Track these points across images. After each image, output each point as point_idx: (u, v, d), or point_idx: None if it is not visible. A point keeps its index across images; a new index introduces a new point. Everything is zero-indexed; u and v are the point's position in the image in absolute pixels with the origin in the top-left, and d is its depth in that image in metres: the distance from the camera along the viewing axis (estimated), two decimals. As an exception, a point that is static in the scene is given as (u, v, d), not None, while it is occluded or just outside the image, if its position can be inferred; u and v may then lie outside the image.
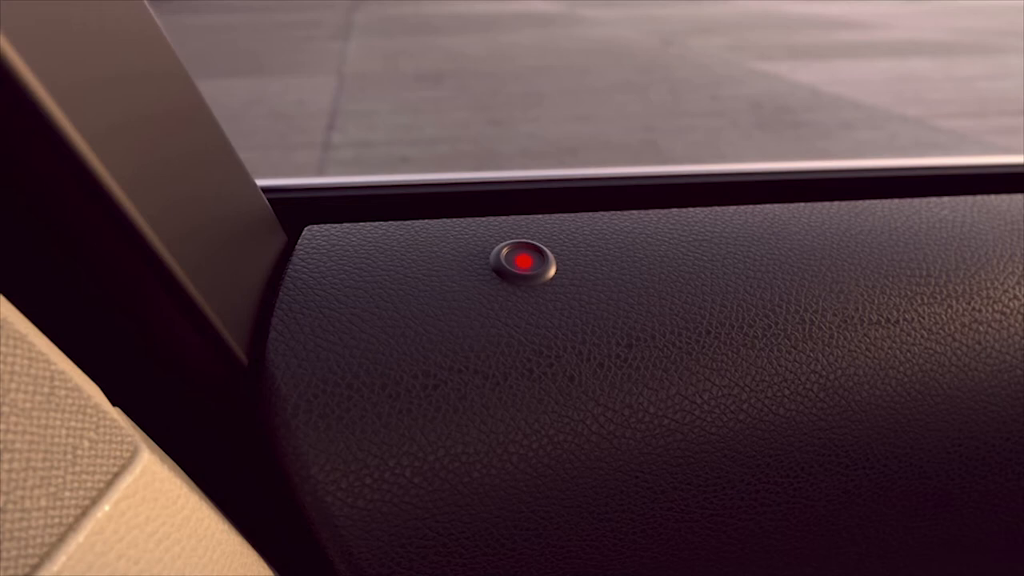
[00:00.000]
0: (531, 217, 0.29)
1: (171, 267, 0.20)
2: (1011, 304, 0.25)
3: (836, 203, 0.32)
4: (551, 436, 0.23)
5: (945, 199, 0.30)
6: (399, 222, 0.29)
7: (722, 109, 5.12)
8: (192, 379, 0.22)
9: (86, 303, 0.19)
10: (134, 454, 0.18)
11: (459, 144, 4.32)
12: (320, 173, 3.82)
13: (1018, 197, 0.31)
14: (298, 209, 0.31)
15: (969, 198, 0.30)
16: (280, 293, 0.25)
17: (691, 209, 0.30)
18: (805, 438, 0.24)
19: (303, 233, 0.28)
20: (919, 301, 0.26)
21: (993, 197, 0.32)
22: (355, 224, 0.29)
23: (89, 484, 0.16)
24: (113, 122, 0.18)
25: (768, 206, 0.31)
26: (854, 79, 6.03)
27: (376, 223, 0.29)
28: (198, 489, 0.20)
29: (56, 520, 0.15)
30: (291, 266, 0.26)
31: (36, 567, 0.15)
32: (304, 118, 4.86)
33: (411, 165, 3.93)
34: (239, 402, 0.23)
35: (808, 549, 0.24)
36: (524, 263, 0.26)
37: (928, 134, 4.50)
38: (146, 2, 0.22)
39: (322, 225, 0.29)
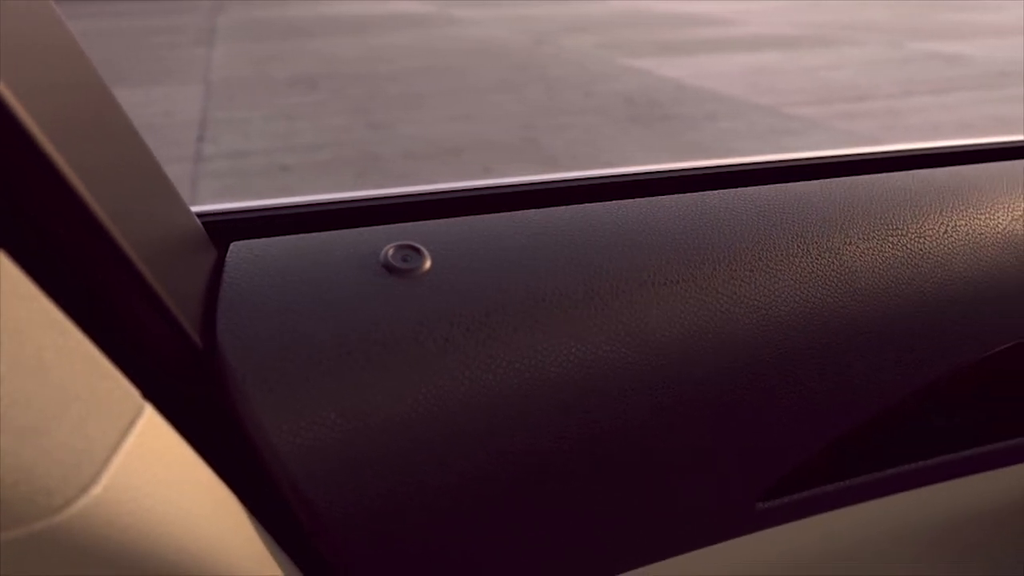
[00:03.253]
0: (414, 224, 0.34)
1: (136, 264, 0.24)
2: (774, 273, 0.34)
3: (687, 195, 0.37)
4: (442, 395, 0.31)
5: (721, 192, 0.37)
6: (310, 234, 0.36)
7: (597, 105, 5.31)
8: (156, 359, 0.27)
9: (55, 290, 0.21)
10: (142, 407, 0.22)
11: (340, 149, 4.24)
12: (193, 187, 3.63)
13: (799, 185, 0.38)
14: (221, 228, 0.37)
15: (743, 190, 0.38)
16: (220, 292, 0.32)
17: (549, 209, 0.34)
18: (628, 384, 0.32)
19: (230, 247, 0.35)
20: (697, 266, 0.35)
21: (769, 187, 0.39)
22: (274, 238, 0.35)
23: (109, 432, 0.20)
24: (68, 126, 0.22)
25: (639, 200, 0.36)
26: (715, 73, 6.42)
27: (291, 236, 0.36)
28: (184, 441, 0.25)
29: (87, 463, 0.18)
30: (226, 271, 0.33)
31: (72, 501, 0.18)
32: (172, 129, 4.61)
33: (292, 174, 3.82)
34: (198, 377, 0.30)
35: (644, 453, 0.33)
36: (405, 260, 0.30)
37: (782, 121, 4.87)
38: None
39: (246, 240, 0.35)
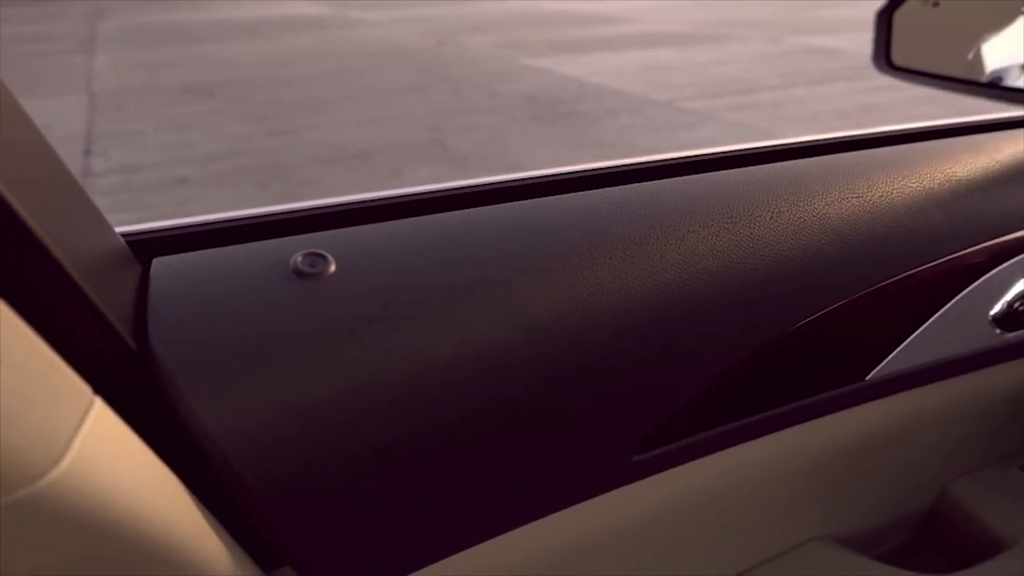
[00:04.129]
0: (320, 233, 0.38)
1: (75, 279, 0.28)
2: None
3: (585, 193, 0.44)
4: (350, 378, 0.36)
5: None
6: (226, 247, 0.40)
7: (501, 105, 5.39)
8: (98, 362, 0.30)
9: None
10: (92, 400, 0.25)
11: (241, 158, 4.13)
12: (83, 203, 3.45)
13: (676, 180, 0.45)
14: (143, 246, 0.40)
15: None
16: (148, 302, 0.35)
17: (439, 215, 0.40)
18: (510, 360, 0.39)
19: (153, 263, 0.38)
20: (566, 258, 0.41)
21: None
22: (193, 252, 0.39)
23: (69, 418, 0.23)
24: None
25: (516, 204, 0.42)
26: (612, 70, 6.63)
27: (209, 250, 0.39)
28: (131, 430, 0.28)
29: (55, 442, 0.21)
30: (151, 284, 0.36)
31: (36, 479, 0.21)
32: (54, 144, 4.34)
33: (190, 186, 3.69)
34: (136, 376, 0.33)
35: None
36: (312, 265, 0.35)
37: (677, 115, 5.10)
38: None
39: (167, 256, 0.38)
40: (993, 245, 0.49)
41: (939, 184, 0.49)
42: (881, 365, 0.48)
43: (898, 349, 0.48)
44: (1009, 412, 0.64)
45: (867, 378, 0.48)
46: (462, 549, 0.37)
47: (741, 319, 0.41)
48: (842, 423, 0.50)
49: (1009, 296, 0.52)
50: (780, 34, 8.38)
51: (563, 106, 5.36)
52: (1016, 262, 0.51)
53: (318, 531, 0.35)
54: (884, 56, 0.91)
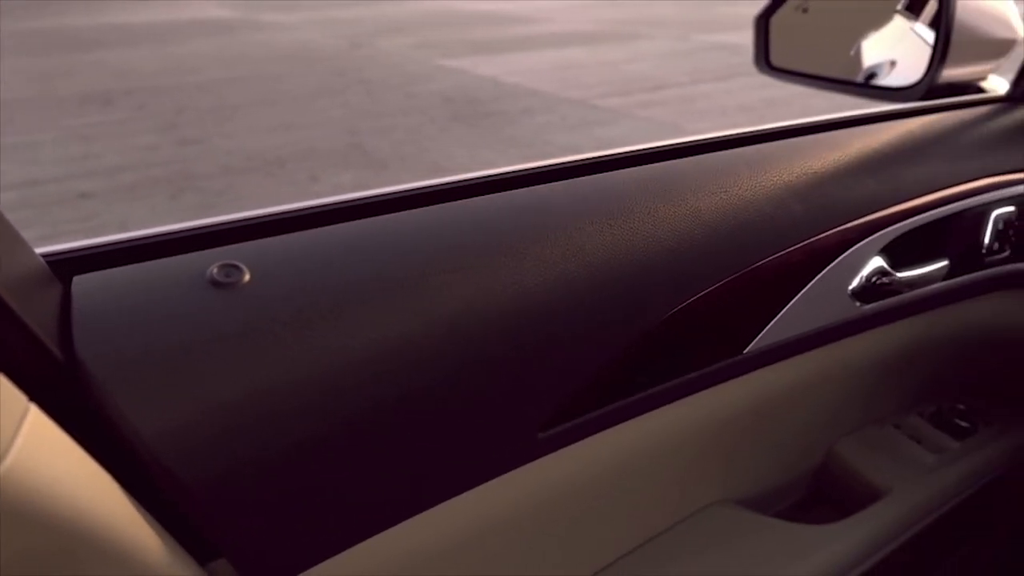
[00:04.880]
0: (235, 245, 0.41)
1: (3, 297, 0.29)
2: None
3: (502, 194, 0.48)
4: (271, 377, 0.39)
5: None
6: (145, 262, 0.42)
7: (418, 106, 5.38)
8: (29, 374, 0.31)
9: None
10: (28, 407, 0.27)
11: (149, 170, 3.97)
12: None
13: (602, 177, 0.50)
14: (62, 265, 0.41)
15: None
16: (72, 318, 0.37)
17: (347, 224, 0.43)
18: (418, 353, 0.42)
19: (73, 281, 0.40)
20: (464, 258, 0.45)
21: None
22: (112, 269, 0.41)
23: (7, 424, 0.25)
24: None
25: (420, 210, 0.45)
26: (527, 69, 6.72)
27: (128, 266, 0.41)
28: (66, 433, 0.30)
29: None
30: (73, 301, 0.38)
31: None
32: (-62, 160, 4.06)
33: (94, 200, 3.52)
34: (65, 386, 0.35)
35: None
36: (228, 275, 0.37)
37: (592, 113, 5.23)
38: None
39: (87, 274, 0.40)
40: (846, 229, 0.56)
41: (797, 177, 0.56)
42: (757, 339, 0.54)
43: (770, 324, 0.55)
44: (878, 375, 0.72)
45: (745, 351, 0.54)
46: (383, 530, 0.41)
47: (627, 305, 0.46)
48: (729, 393, 0.56)
49: (864, 272, 0.59)
50: (687, 32, 8.68)
51: (480, 106, 5.40)
52: (868, 242, 0.58)
53: (249, 522, 0.37)
54: (764, 58, 0.99)
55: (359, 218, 0.45)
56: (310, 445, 0.38)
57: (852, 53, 0.98)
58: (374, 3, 11.87)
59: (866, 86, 0.89)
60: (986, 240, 0.67)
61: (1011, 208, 0.68)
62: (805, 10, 0.94)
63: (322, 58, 7.31)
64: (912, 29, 0.91)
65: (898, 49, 0.95)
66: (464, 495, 0.44)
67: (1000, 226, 0.67)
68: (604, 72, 6.57)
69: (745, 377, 0.56)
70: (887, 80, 0.94)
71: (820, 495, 0.76)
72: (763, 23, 0.97)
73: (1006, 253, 0.69)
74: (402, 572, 0.43)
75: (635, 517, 0.59)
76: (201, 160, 4.15)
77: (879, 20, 0.97)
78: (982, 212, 0.66)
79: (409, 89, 5.92)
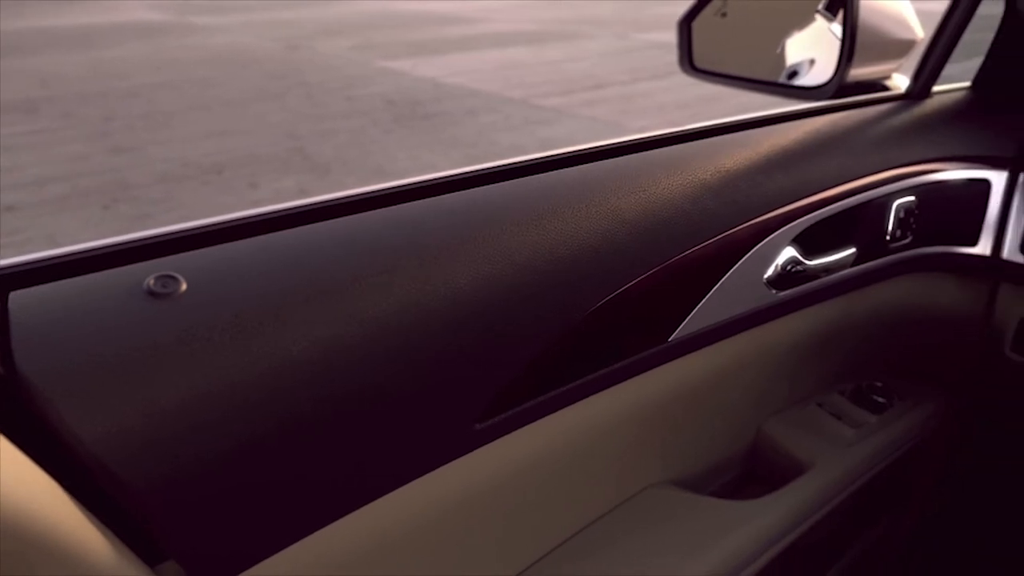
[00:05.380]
0: (170, 257, 0.42)
1: None
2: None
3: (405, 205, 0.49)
4: (210, 380, 0.40)
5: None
6: (82, 276, 0.43)
7: (360, 109, 5.34)
8: None
9: None
10: None
11: (79, 180, 3.83)
12: None
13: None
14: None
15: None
16: (10, 333, 0.38)
17: (279, 233, 0.45)
18: (353, 355, 0.44)
19: (9, 297, 0.40)
20: (399, 260, 0.47)
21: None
22: (50, 284, 0.42)
23: None
24: None
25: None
26: (469, 69, 6.73)
27: (65, 280, 0.42)
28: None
29: None
30: (11, 316, 0.39)
31: None
32: None
33: (20, 214, 3.38)
34: (8, 398, 0.36)
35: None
36: (165, 286, 0.38)
37: (534, 112, 5.28)
38: None
39: (23, 289, 0.41)
40: (759, 221, 0.60)
41: (712, 175, 0.59)
42: (680, 328, 0.58)
43: (692, 314, 0.58)
44: (799, 357, 0.77)
45: (669, 340, 0.58)
46: (326, 524, 0.42)
47: (554, 300, 0.49)
48: (657, 380, 0.60)
49: (778, 261, 0.64)
50: (625, 30, 8.84)
51: (422, 107, 5.39)
52: (780, 233, 0.62)
53: (195, 522, 0.38)
54: (688, 60, 1.03)
55: (294, 226, 0.46)
56: (252, 445, 0.40)
57: (778, 51, 1.03)
58: (310, 5, 11.69)
59: (782, 86, 0.94)
60: (889, 228, 0.72)
61: (911, 198, 0.73)
62: (724, 14, 0.99)
63: (258, 61, 7.17)
64: (829, 29, 0.97)
65: (816, 49, 1.00)
66: (406, 487, 0.46)
67: (902, 215, 0.73)
68: (546, 71, 6.64)
69: (671, 364, 0.60)
70: (806, 78, 1.00)
71: (752, 473, 0.80)
72: (685, 27, 1.01)
73: (908, 239, 0.74)
74: (347, 565, 0.44)
75: (575, 502, 0.62)
76: (135, 169, 4.03)
77: (801, 20, 1.03)
78: (885, 202, 0.71)
79: (350, 92, 5.86)
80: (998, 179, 0.75)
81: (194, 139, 4.57)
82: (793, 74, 1.02)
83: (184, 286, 0.41)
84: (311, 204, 0.48)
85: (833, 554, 0.90)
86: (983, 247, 0.75)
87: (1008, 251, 0.74)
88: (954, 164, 0.75)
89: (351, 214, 0.48)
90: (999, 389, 0.88)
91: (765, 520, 0.67)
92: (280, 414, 0.40)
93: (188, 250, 0.44)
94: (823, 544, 0.86)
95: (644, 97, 5.65)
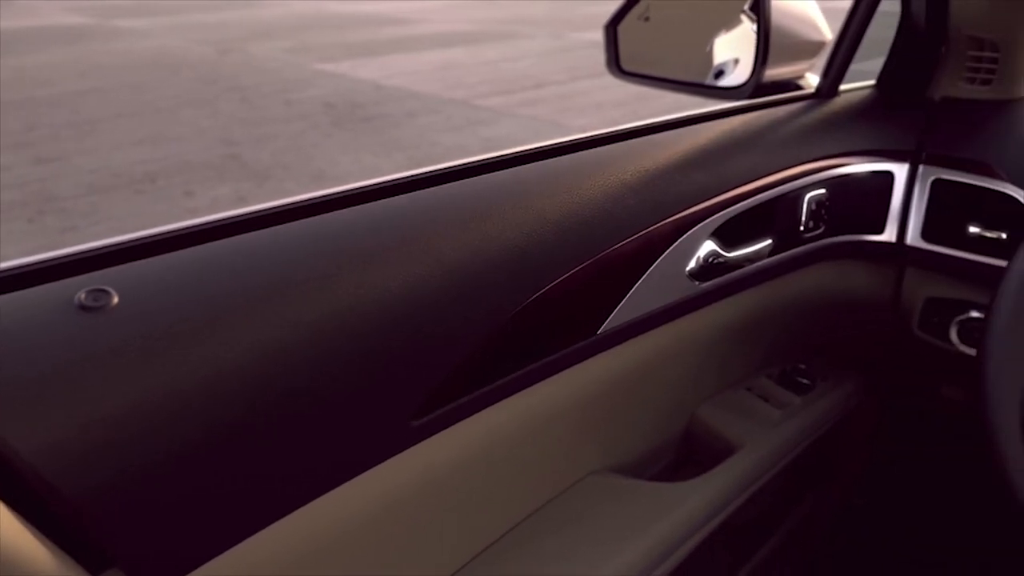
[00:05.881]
0: (101, 271, 0.42)
1: None
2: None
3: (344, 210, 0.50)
4: (146, 389, 0.41)
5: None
6: (11, 294, 0.43)
7: (298, 113, 5.26)
8: None
9: None
10: None
11: (2, 193, 3.66)
12: None
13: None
14: None
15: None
16: None
17: (207, 245, 0.46)
18: (286, 358, 0.45)
19: None
20: (326, 268, 0.48)
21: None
22: None
23: None
24: None
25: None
26: (408, 71, 6.70)
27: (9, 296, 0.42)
28: None
29: None
30: None
31: None
32: None
33: (-61, 228, 3.21)
34: None
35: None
36: (96, 300, 0.39)
37: (475, 113, 5.29)
38: None
39: None
40: (679, 217, 0.64)
41: (632, 176, 0.63)
42: (608, 321, 0.61)
43: (619, 307, 0.61)
44: (727, 344, 0.81)
45: (598, 332, 0.61)
46: (266, 526, 0.43)
47: (484, 299, 0.51)
48: (589, 371, 0.62)
49: (699, 254, 0.67)
50: (561, 30, 8.93)
51: (362, 110, 5.34)
52: (699, 228, 0.66)
53: (136, 528, 0.39)
54: (615, 63, 1.07)
55: (227, 237, 0.47)
56: (190, 451, 0.40)
57: (699, 53, 1.07)
58: (239, 7, 11.40)
59: (704, 86, 0.98)
60: (803, 219, 0.77)
61: (822, 190, 0.78)
62: (647, 19, 1.03)
63: (188, 65, 6.97)
64: (752, 31, 1.01)
65: (740, 49, 1.05)
66: (345, 486, 0.47)
67: (813, 207, 0.77)
68: (485, 72, 6.66)
69: (602, 355, 0.63)
70: (729, 79, 1.05)
71: (688, 456, 0.84)
72: (612, 31, 1.05)
73: (821, 229, 0.79)
74: (288, 564, 0.45)
75: (517, 494, 0.64)
76: (61, 179, 3.87)
77: (722, 23, 1.07)
78: (798, 195, 0.76)
79: (287, 96, 5.76)
80: (900, 171, 0.81)
81: (124, 147, 4.42)
82: (720, 73, 1.07)
83: (116, 299, 0.42)
84: (244, 215, 0.49)
85: (765, 531, 0.95)
86: (889, 234, 0.81)
87: (911, 237, 0.80)
88: (860, 158, 0.81)
89: (284, 223, 0.49)
90: (910, 365, 0.95)
91: (699, 500, 0.71)
92: (218, 419, 0.41)
93: (120, 263, 0.45)
94: (755, 520, 0.91)
95: (582, 96, 5.73)
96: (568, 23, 9.42)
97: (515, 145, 0.65)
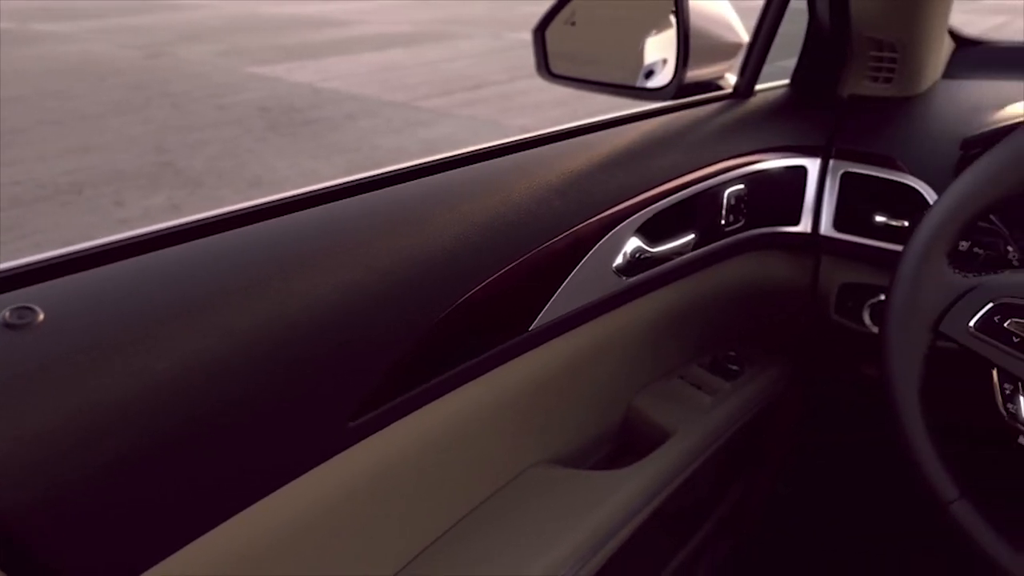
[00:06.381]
0: (26, 289, 0.42)
1: None
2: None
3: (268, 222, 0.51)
4: (77, 404, 0.41)
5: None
6: None
7: (232, 118, 5.14)
8: None
9: None
10: None
11: (-86, 208, 3.47)
12: None
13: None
14: None
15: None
16: None
17: (128, 260, 0.46)
18: (215, 365, 0.45)
19: None
20: (255, 275, 0.49)
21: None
22: None
23: None
24: None
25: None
26: (346, 73, 6.62)
27: None
28: None
29: None
30: None
31: None
32: None
33: None
34: None
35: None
36: (21, 317, 0.39)
37: (415, 114, 5.27)
38: None
39: None
40: (604, 216, 0.67)
41: (557, 177, 0.65)
42: (538, 318, 0.63)
43: (548, 304, 0.63)
44: (658, 335, 0.84)
45: (530, 329, 0.63)
46: (202, 533, 0.44)
47: (416, 301, 0.53)
48: (523, 366, 0.64)
49: (626, 251, 0.70)
50: (500, 30, 8.96)
51: (299, 114, 5.25)
52: (624, 225, 0.69)
53: (71, 541, 0.39)
54: (544, 67, 1.09)
55: (152, 250, 0.47)
56: (123, 462, 0.41)
57: (624, 56, 1.11)
58: (167, 9, 11.05)
59: (630, 88, 1.01)
60: (723, 214, 0.81)
61: (741, 186, 0.82)
62: (573, 23, 1.05)
63: (115, 71, 6.72)
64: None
65: (668, 50, 1.09)
66: (282, 489, 0.48)
67: (733, 201, 0.81)
68: (424, 73, 6.63)
69: (535, 351, 0.65)
70: (658, 79, 1.08)
71: (625, 445, 0.87)
72: (539, 35, 1.07)
73: (741, 223, 0.83)
74: (230, 569, 0.46)
75: (457, 491, 0.66)
76: (-20, 193, 3.69)
77: (646, 26, 1.11)
78: (718, 191, 0.80)
79: (220, 100, 5.62)
80: (813, 166, 0.86)
81: (49, 158, 4.24)
82: (651, 73, 1.11)
83: (42, 316, 0.42)
84: (169, 228, 0.49)
85: (699, 516, 0.99)
86: (804, 225, 0.86)
87: (824, 228, 0.85)
88: (775, 154, 0.85)
89: (212, 234, 0.49)
90: (830, 347, 1.00)
91: (634, 486, 0.74)
92: (150, 429, 0.41)
93: (44, 280, 0.44)
94: (690, 507, 0.95)
95: (522, 95, 5.77)
96: (507, 23, 9.46)
97: (456, 146, 0.66)
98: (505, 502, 0.69)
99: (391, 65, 6.99)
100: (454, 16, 10.23)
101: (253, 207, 0.52)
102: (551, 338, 0.66)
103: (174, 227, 0.49)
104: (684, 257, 0.78)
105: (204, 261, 0.47)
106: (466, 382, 0.59)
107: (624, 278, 0.71)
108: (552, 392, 0.73)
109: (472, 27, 9.27)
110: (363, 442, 0.52)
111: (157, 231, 0.49)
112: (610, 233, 0.68)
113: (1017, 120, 0.55)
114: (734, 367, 0.93)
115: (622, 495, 0.72)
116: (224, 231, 0.50)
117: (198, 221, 0.50)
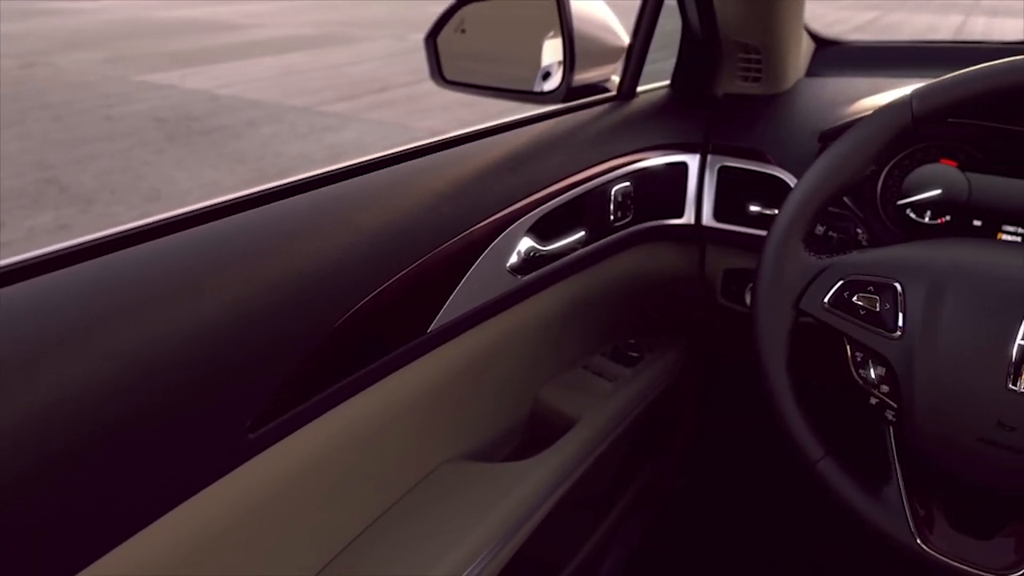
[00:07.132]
0: None
1: None
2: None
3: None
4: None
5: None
6: None
7: (123, 129, 4.88)
8: None
9: None
10: None
11: None
12: None
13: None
14: None
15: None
16: None
17: (44, 276, 0.45)
18: (127, 372, 0.45)
19: None
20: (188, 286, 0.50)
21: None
22: None
23: None
24: None
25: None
26: (245, 79, 6.41)
27: None
28: None
29: None
30: None
31: None
32: None
33: None
34: None
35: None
36: None
37: (320, 119, 5.17)
38: None
39: None
40: (495, 219, 0.69)
41: (447, 185, 0.67)
42: (436, 320, 0.65)
43: (445, 306, 0.65)
44: (559, 328, 0.88)
45: (428, 331, 0.65)
46: (102, 555, 0.44)
47: (309, 311, 0.54)
48: (425, 368, 0.66)
49: (519, 250, 0.73)
50: (404, 32, 8.90)
51: (198, 123, 5.05)
52: (515, 226, 0.72)
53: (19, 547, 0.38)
54: (438, 73, 1.11)
55: (44, 273, 0.47)
56: (26, 482, 0.40)
57: (527, 56, 1.14)
58: (42, 15, 10.34)
59: (521, 92, 1.05)
60: (611, 210, 0.85)
61: (627, 183, 0.87)
62: (463, 31, 1.08)
63: (-12, 82, 6.25)
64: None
65: (561, 53, 1.13)
66: (187, 503, 0.48)
67: (620, 198, 0.86)
68: (328, 76, 6.51)
69: (437, 351, 0.67)
70: (554, 79, 1.12)
71: (535, 436, 0.90)
72: (431, 43, 1.09)
73: (629, 218, 0.88)
74: None
75: (367, 493, 0.67)
76: None
77: (546, 28, 1.14)
78: (605, 189, 0.84)
79: (108, 111, 5.33)
80: (693, 161, 0.92)
81: (-87, 179, 3.91)
82: (548, 75, 1.14)
83: None
84: (57, 251, 0.48)
85: (608, 502, 1.04)
86: (688, 217, 0.92)
87: (706, 218, 0.91)
88: (658, 152, 0.91)
89: (101, 255, 0.49)
90: (720, 329, 1.07)
91: (541, 474, 0.77)
92: (35, 455, 0.41)
93: None
94: (599, 492, 0.99)
95: (429, 97, 5.76)
96: (410, 24, 9.39)
97: (364, 151, 0.68)
98: (417, 500, 0.71)
99: (292, 69, 6.82)
100: (356, 18, 10.07)
101: (140, 227, 0.52)
102: (451, 338, 0.68)
103: (61, 250, 0.48)
104: (576, 253, 0.82)
105: (91, 285, 0.47)
106: (367, 387, 0.60)
107: (519, 276, 0.74)
108: (457, 390, 0.75)
109: (375, 29, 9.16)
110: (265, 452, 0.52)
111: (45, 254, 0.48)
112: (502, 234, 0.70)
113: (866, 113, 0.62)
114: (634, 354, 0.98)
115: (528, 484, 0.75)
116: (111, 252, 0.49)
117: (86, 243, 0.49)
